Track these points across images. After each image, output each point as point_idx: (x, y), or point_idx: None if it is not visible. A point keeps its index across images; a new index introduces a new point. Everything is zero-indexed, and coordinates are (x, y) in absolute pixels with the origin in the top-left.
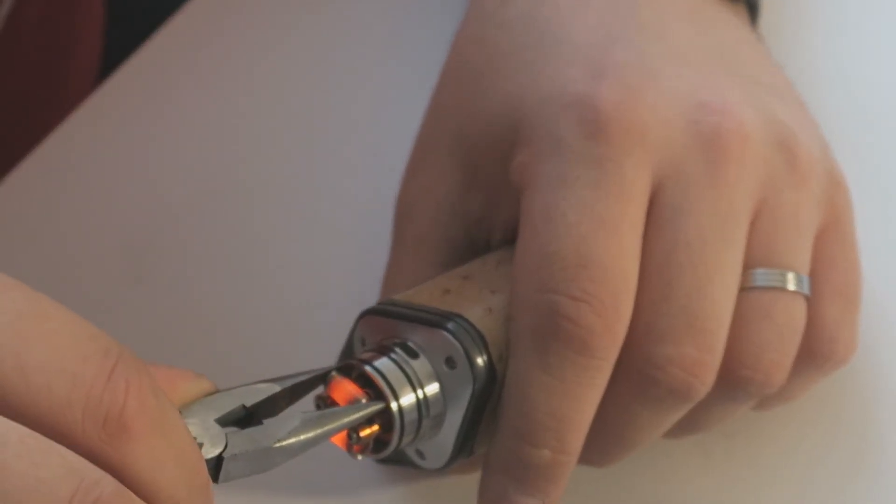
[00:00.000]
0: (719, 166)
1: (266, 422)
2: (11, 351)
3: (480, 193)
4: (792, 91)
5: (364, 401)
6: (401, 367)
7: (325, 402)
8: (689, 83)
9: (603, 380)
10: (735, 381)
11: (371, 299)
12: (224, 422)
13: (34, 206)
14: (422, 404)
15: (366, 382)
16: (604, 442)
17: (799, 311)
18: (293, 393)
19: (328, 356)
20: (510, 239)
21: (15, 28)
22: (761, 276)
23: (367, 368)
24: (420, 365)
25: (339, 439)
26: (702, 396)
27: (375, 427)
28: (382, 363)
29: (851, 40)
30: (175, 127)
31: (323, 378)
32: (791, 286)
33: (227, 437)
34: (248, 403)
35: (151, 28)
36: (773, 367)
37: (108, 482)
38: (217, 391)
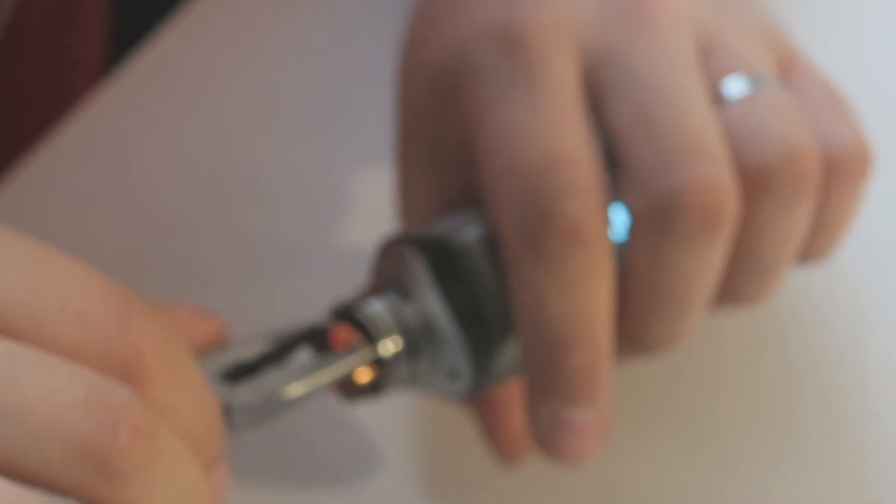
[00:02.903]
0: (644, 24)
1: (268, 373)
2: (22, 299)
3: (451, 169)
4: None
5: (359, 344)
6: (391, 306)
7: (325, 350)
8: None
9: (607, 265)
10: (766, 178)
11: None
12: (228, 374)
13: (34, 206)
14: (413, 336)
15: (359, 326)
16: (661, 315)
17: (789, 100)
18: (291, 343)
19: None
20: None
21: (17, 30)
22: (734, 85)
23: (356, 312)
24: (412, 302)
25: (341, 386)
26: (734, 214)
27: (370, 370)
28: (372, 304)
29: (845, 40)
30: (175, 127)
31: (321, 327)
32: (769, 86)
33: (233, 389)
34: (250, 356)
35: (153, 29)
36: (797, 145)
37: (123, 389)
38: (224, 337)
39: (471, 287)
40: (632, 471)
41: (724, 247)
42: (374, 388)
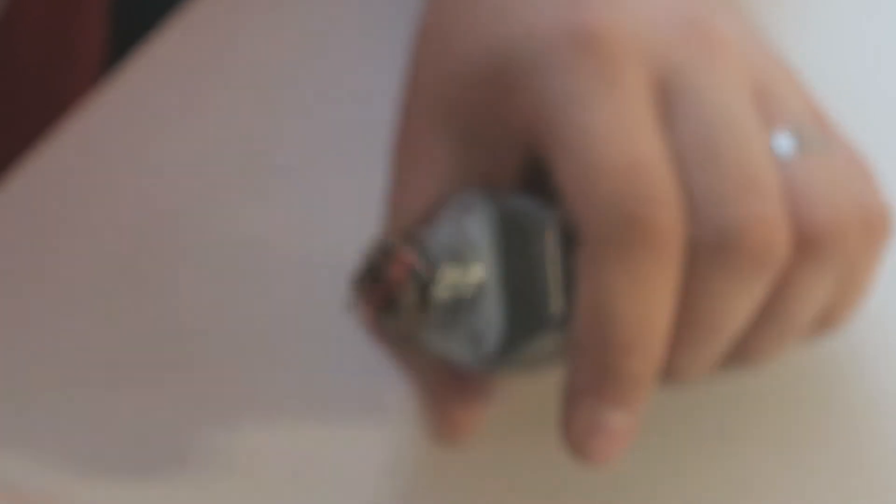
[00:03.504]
0: (715, 53)
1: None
2: None
3: (483, 150)
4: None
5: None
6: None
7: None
8: None
9: (679, 277)
10: (811, 239)
11: None
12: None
13: (34, 206)
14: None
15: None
16: (687, 342)
17: (836, 162)
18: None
19: (328, 355)
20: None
21: (10, 28)
22: (784, 139)
23: (425, 238)
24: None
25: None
26: (783, 258)
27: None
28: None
29: (845, 40)
30: (176, 126)
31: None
32: (817, 145)
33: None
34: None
35: (153, 28)
36: (843, 212)
37: None
38: None
39: (533, 267)
40: (631, 469)
41: (765, 290)
42: (421, 307)
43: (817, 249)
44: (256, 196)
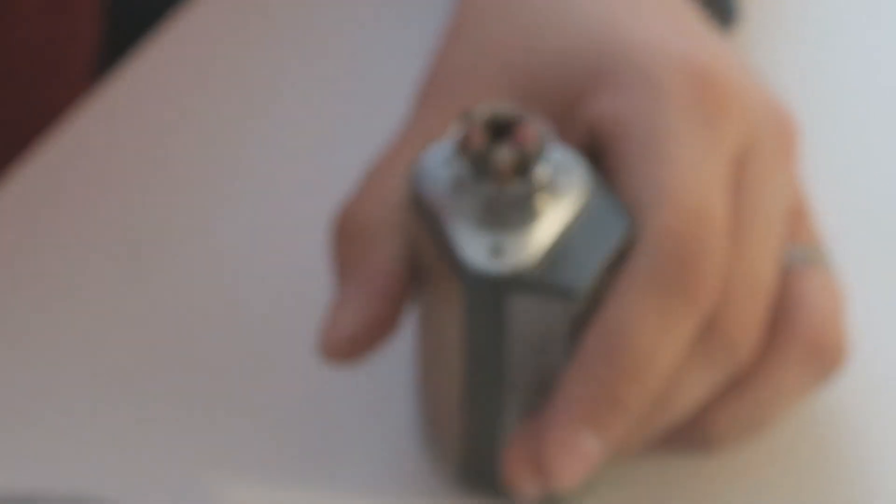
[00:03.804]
0: (787, 150)
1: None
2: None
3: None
4: None
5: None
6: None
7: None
8: (751, 76)
9: (697, 331)
10: (788, 345)
11: None
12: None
13: (33, 206)
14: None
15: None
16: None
17: (833, 282)
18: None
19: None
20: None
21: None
22: (798, 254)
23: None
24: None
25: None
26: (744, 360)
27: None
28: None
29: (838, 43)
30: (174, 127)
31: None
32: (822, 263)
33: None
34: None
35: (150, 29)
36: (828, 331)
37: None
38: None
39: (594, 249)
40: (625, 468)
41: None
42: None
43: (789, 354)
44: (257, 196)
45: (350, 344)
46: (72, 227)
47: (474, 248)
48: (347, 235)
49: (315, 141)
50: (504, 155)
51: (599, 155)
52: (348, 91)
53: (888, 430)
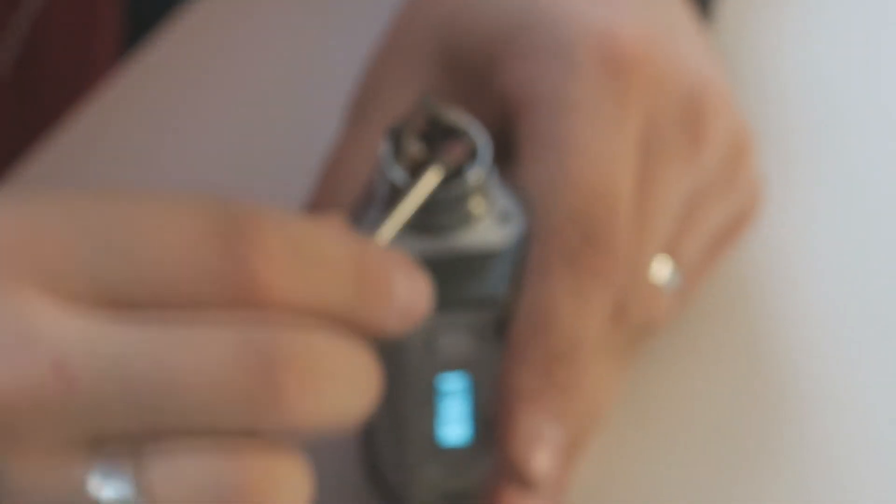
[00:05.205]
0: (696, 134)
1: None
2: (123, 272)
3: (457, 93)
4: None
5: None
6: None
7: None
8: (690, 58)
9: (611, 303)
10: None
11: None
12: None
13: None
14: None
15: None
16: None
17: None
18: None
19: None
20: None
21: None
22: (665, 269)
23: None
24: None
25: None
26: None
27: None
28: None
29: (823, 41)
30: (180, 124)
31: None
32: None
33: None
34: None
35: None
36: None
37: (260, 334)
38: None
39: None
40: (620, 467)
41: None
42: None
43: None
44: (259, 194)
45: None
46: None
47: (484, 230)
48: None
49: (317, 140)
50: (413, 147)
51: (509, 126)
52: (352, 89)
53: (888, 430)
